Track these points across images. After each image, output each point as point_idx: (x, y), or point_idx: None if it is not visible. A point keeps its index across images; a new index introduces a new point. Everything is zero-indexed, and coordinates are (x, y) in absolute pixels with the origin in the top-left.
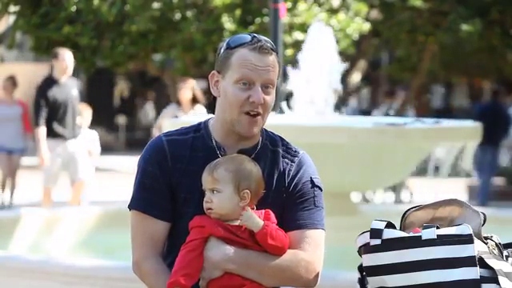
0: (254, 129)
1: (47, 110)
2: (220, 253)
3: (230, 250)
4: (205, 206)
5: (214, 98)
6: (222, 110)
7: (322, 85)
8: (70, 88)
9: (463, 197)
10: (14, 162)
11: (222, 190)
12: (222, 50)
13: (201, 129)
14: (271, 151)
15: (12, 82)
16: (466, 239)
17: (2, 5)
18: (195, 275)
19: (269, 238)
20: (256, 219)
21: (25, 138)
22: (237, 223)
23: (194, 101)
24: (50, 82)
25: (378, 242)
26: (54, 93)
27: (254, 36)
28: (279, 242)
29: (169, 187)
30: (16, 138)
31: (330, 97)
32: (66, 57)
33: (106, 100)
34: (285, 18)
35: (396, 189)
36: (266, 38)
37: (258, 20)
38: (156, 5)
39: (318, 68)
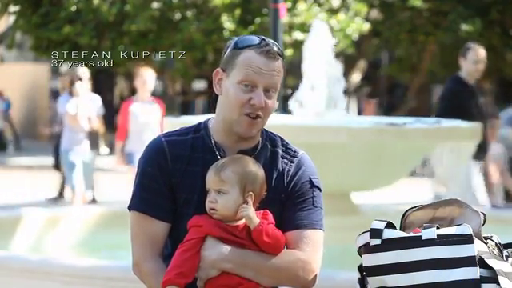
0: (253, 130)
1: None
2: (216, 252)
3: (226, 249)
4: (208, 206)
5: (215, 97)
6: (222, 109)
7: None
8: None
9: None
10: None
11: (229, 192)
12: (229, 49)
13: (201, 129)
14: (271, 152)
15: (145, 78)
16: (466, 239)
17: (1, 5)
18: (189, 274)
19: (264, 236)
20: (254, 215)
21: None
22: (235, 224)
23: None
24: (464, 85)
25: (378, 241)
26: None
27: (263, 39)
28: (274, 240)
29: (169, 188)
30: None
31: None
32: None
33: (106, 100)
34: (285, 18)
35: None
36: (273, 42)
37: (257, 20)
38: (156, 5)
39: (319, 69)
